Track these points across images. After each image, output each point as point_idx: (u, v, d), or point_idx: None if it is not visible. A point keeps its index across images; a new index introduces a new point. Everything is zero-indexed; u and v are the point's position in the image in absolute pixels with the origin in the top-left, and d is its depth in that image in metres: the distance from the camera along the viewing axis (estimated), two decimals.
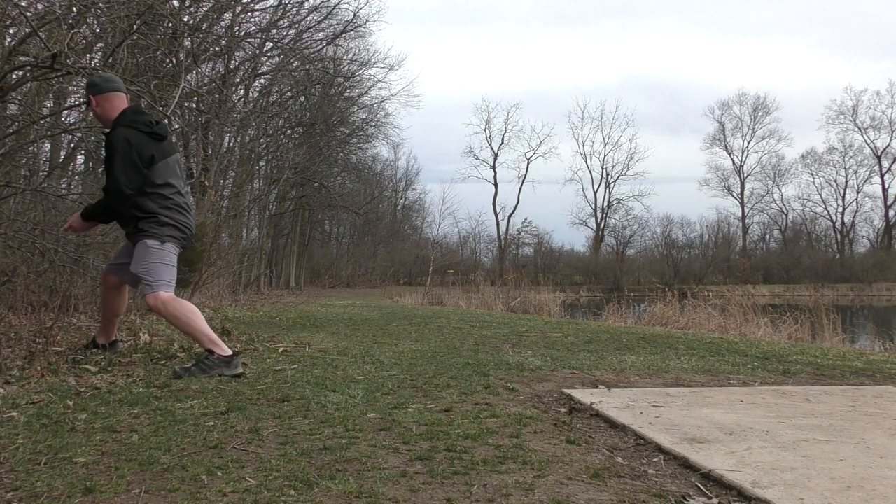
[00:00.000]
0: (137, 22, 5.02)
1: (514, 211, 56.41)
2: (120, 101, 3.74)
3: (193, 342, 3.90)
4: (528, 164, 58.15)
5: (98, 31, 6.27)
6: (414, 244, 51.74)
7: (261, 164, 22.37)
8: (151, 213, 3.63)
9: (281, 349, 4.71)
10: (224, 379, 3.39)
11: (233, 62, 16.34)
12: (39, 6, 5.48)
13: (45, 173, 7.26)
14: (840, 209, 56.07)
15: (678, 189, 79.00)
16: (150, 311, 3.83)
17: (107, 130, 3.76)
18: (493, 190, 56.84)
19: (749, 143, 58.04)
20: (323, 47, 21.61)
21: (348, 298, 19.55)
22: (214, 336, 3.63)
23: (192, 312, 3.63)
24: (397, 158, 55.04)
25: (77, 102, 6.49)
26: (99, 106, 3.75)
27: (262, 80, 19.82)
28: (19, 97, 5.72)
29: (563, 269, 52.18)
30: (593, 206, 58.24)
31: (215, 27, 12.11)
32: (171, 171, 3.73)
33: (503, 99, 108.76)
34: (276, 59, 19.03)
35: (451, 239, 55.80)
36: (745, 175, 57.82)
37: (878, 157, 54.19)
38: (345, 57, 23.49)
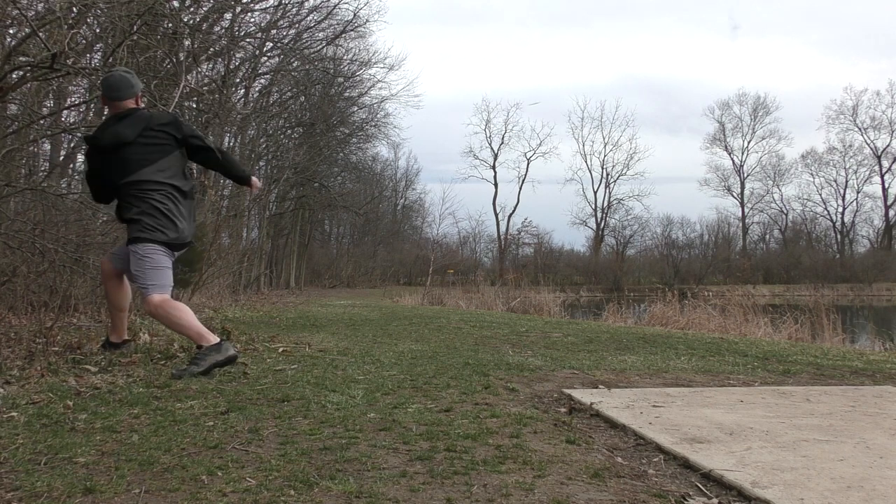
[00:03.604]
0: (137, 22, 5.02)
1: (514, 211, 56.42)
2: (129, 105, 3.75)
3: (193, 342, 3.91)
4: (528, 164, 57.95)
5: (98, 31, 6.26)
6: (414, 244, 51.69)
7: (261, 164, 22.37)
8: (141, 213, 3.64)
9: (281, 349, 4.71)
10: (224, 379, 3.40)
11: (233, 62, 16.35)
12: (39, 6, 5.48)
13: (45, 173, 7.26)
14: (840, 209, 56.09)
15: (678, 189, 79.00)
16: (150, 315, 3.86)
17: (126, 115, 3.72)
18: (493, 190, 56.81)
19: (749, 143, 58.00)
20: (323, 47, 21.64)
21: (348, 298, 19.55)
22: (201, 328, 3.63)
23: (180, 309, 3.66)
24: (397, 158, 55.04)
25: (77, 102, 6.49)
26: (106, 106, 3.88)
27: (262, 80, 19.84)
28: (19, 97, 5.72)
29: (563, 269, 52.09)
30: (593, 206, 58.21)
31: (215, 27, 12.11)
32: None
33: (503, 99, 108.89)
34: (276, 59, 19.06)
35: (451, 239, 55.76)
36: (745, 175, 57.78)
37: (878, 157, 54.18)
38: (345, 57, 23.53)
